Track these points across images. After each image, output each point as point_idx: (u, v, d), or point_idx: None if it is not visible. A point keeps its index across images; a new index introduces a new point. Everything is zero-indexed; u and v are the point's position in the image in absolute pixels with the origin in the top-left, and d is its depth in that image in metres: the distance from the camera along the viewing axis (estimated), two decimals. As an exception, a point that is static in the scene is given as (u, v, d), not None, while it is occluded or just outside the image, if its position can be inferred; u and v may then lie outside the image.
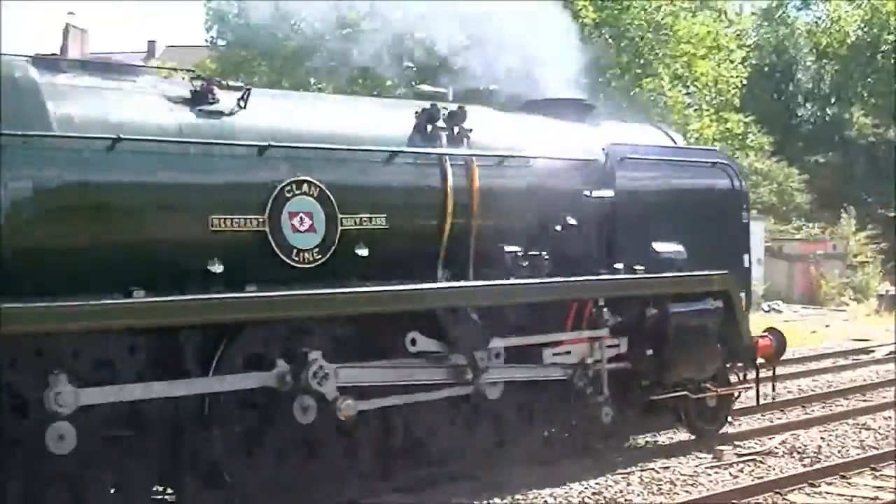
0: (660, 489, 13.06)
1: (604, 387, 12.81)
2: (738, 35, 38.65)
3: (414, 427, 11.26)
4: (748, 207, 15.01)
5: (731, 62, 35.82)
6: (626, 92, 29.77)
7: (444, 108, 11.78)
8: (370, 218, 10.55)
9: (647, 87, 30.89)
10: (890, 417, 16.77)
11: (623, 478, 13.39)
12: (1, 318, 7.84)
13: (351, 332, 10.63)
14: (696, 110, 33.07)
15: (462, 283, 11.33)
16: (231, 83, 10.29)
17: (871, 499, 12.46)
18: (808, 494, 12.85)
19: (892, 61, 40.27)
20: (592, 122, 14.26)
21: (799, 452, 14.66)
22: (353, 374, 10.29)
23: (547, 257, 12.08)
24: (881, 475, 13.67)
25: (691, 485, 13.26)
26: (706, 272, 13.56)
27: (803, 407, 18.14)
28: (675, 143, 15.32)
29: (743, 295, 14.34)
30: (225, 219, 9.57)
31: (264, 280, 9.74)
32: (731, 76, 35.45)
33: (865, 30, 41.37)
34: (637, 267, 12.96)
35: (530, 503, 11.94)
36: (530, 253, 12.02)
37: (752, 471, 13.91)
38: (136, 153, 9.12)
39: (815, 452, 14.63)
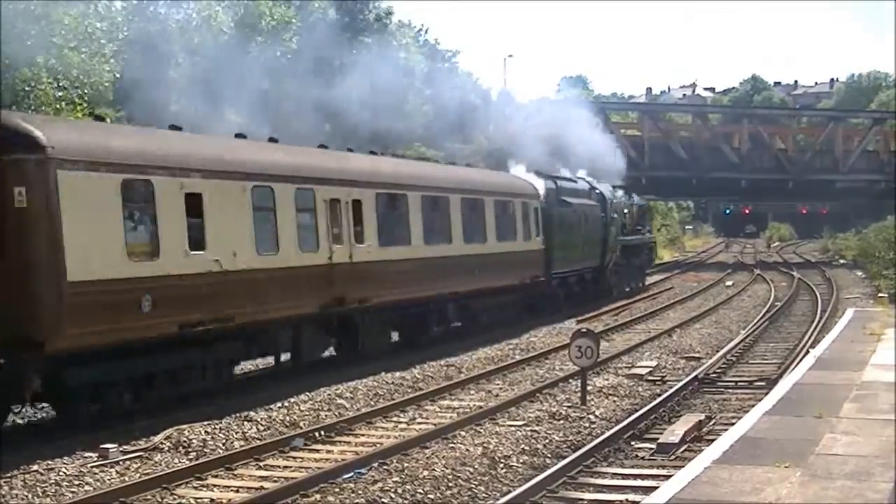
0: (45, 491, 12.60)
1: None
2: (109, 29, 38.00)
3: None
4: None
5: (104, 56, 35.23)
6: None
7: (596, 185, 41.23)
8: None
9: (23, 78, 29.40)
10: (272, 408, 17.38)
11: (6, 482, 12.71)
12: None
13: None
14: (68, 104, 31.99)
15: None
16: None
17: (257, 488, 12.84)
18: (195, 488, 13.03)
19: (263, 60, 42.05)
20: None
21: (184, 447, 14.79)
22: None
23: None
24: (265, 465, 14.19)
25: (77, 485, 12.93)
26: None
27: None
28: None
29: None
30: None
31: None
32: (104, 70, 34.85)
33: (237, 29, 42.59)
34: None
35: None
36: None
37: (140, 468, 13.83)
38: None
39: (200, 446, 14.83)
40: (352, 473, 13.38)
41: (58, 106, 31.48)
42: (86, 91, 34.26)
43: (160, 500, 12.42)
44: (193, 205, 17.06)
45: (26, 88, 29.12)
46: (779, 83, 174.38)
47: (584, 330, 20.08)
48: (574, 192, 37.65)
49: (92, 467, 13.64)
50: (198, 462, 13.96)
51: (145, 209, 16.35)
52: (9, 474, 13.04)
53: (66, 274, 14.70)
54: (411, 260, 24.43)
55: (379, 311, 23.14)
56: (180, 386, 17.36)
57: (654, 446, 15.12)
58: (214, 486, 13.15)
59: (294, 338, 20.57)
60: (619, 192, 44.63)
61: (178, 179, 16.94)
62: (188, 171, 17.25)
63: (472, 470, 13.61)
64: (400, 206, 24.34)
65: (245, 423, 16.29)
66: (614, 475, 13.66)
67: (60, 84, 33.18)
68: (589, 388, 18.98)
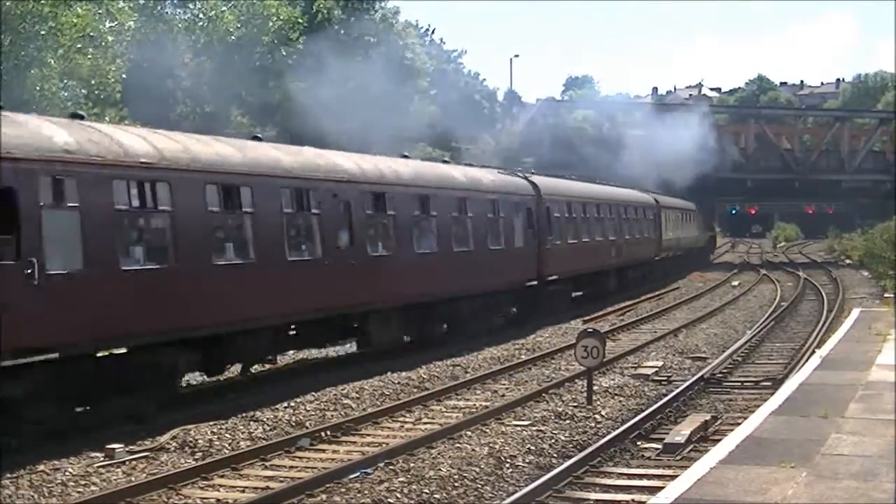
0: (51, 491, 12.61)
1: None
2: (117, 29, 38.01)
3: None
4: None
5: (111, 56, 35.24)
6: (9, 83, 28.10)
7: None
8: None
9: (35, 78, 29.44)
10: (278, 408, 17.40)
11: (12, 482, 12.73)
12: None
13: None
14: (74, 104, 31.97)
15: None
16: None
17: (263, 488, 12.86)
18: (201, 488, 13.04)
19: (270, 61, 41.97)
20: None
21: (191, 447, 14.80)
22: None
23: None
24: (271, 465, 14.20)
25: (84, 485, 12.94)
26: None
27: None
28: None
29: None
30: None
31: None
32: (111, 70, 34.86)
33: (243, 29, 42.57)
34: None
35: None
36: None
37: (146, 468, 13.84)
38: None
39: (206, 446, 14.84)
40: (358, 473, 13.38)
41: (63, 106, 31.50)
42: (93, 92, 34.27)
43: (166, 500, 12.44)
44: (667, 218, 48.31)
45: (38, 89, 29.10)
46: (785, 83, 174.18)
47: (590, 330, 20.06)
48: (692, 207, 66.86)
49: (98, 467, 13.65)
50: (204, 462, 13.97)
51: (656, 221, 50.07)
52: (14, 474, 13.05)
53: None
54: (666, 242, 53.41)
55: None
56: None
57: (660, 446, 15.12)
58: (220, 486, 13.16)
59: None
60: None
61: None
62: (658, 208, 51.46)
63: (478, 470, 13.61)
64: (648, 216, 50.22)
65: (251, 423, 16.29)
66: (620, 475, 13.66)
67: (67, 84, 33.24)
68: (595, 388, 18.97)
